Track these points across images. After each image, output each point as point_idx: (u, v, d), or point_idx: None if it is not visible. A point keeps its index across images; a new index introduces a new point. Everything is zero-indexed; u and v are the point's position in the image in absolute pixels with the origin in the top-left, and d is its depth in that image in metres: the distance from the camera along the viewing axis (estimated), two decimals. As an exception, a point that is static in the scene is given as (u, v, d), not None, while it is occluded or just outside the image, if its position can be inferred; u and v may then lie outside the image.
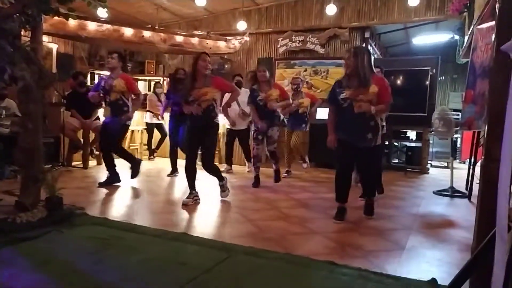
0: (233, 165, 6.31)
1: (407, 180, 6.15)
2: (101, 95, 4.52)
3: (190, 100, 3.72)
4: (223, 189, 4.04)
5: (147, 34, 6.67)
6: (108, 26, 6.46)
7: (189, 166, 3.81)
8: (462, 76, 11.10)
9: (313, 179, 5.86)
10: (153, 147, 7.18)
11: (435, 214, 3.91)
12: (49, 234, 2.59)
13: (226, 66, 8.34)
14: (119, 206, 3.55)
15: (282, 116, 5.00)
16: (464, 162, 9.77)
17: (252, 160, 5.05)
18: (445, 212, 4.00)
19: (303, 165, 6.36)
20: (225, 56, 8.32)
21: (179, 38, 6.94)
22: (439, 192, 4.99)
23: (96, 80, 8.40)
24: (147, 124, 6.91)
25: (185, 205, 3.62)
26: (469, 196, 4.72)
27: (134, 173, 4.70)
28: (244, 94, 5.96)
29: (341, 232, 3.01)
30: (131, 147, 6.98)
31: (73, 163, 5.78)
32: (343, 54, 7.69)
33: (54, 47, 7.52)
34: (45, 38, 7.08)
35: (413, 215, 3.73)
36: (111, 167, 4.61)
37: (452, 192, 4.89)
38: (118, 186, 4.51)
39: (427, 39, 8.73)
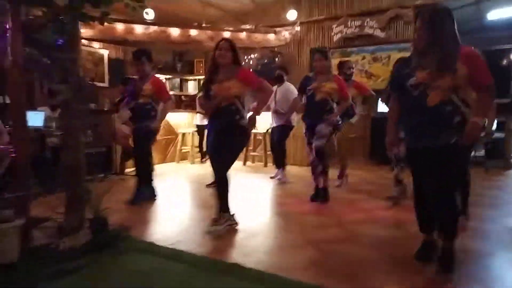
0: (287, 166, 5.86)
1: (490, 179, 5.32)
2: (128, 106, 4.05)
3: (210, 95, 3.04)
4: (216, 222, 3.01)
5: (193, 33, 6.41)
6: (155, 28, 6.29)
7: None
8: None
9: (378, 180, 5.26)
10: (204, 149, 6.95)
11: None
12: (92, 266, 2.35)
13: (277, 59, 7.89)
14: (167, 225, 3.26)
15: (338, 118, 4.02)
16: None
17: (311, 167, 4.07)
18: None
19: (336, 182, 4.82)
20: (275, 49, 7.88)
21: (226, 34, 6.60)
22: (537, 195, 4.19)
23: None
24: (197, 126, 6.69)
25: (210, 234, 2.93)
26: None
27: (138, 197, 3.98)
28: (285, 90, 5.42)
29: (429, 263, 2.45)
30: (182, 150, 6.81)
31: (126, 171, 5.69)
32: (407, 37, 6.93)
33: (105, 53, 7.53)
34: (96, 45, 7.13)
35: (513, 230, 3.06)
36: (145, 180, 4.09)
37: (554, 195, 4.08)
38: (169, 197, 4.27)
39: (507, 12, 7.58)
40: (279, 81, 5.51)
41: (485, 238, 2.87)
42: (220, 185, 3.05)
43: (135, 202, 3.92)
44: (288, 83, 5.57)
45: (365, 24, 7.03)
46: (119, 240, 2.73)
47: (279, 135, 5.38)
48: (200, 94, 3.38)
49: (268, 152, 6.54)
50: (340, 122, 4.05)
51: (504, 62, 6.21)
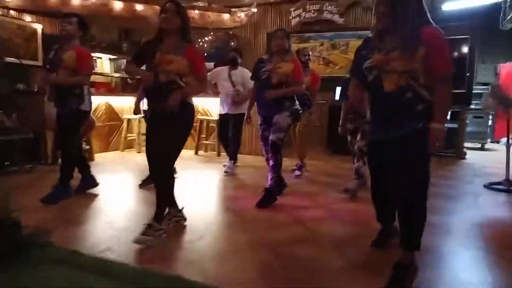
0: (242, 155, 5.51)
1: (444, 169, 5.30)
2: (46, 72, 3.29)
3: (152, 64, 2.50)
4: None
5: (139, 8, 5.80)
6: (94, 0, 5.61)
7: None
8: (493, 46, 10.00)
9: (336, 171, 5.06)
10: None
11: (505, 223, 3.07)
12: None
13: (232, 43, 7.46)
14: (99, 228, 2.76)
15: (297, 104, 3.53)
16: (498, 142, 8.87)
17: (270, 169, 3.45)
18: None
19: (296, 172, 4.73)
20: (230, 32, 7.43)
21: (176, 12, 6.07)
22: (492, 186, 4.15)
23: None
24: (145, 111, 6.10)
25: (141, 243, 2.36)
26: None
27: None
28: (241, 74, 5.03)
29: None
30: (128, 138, 6.23)
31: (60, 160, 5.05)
32: (365, 24, 6.76)
33: (38, 27, 6.68)
34: (28, 18, 6.29)
35: (476, 225, 2.91)
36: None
37: (509, 186, 4.05)
38: (108, 192, 3.75)
39: (461, 4, 7.67)
40: (233, 64, 5.07)
41: (448, 234, 2.70)
42: (165, 181, 2.58)
43: (49, 201, 3.19)
44: (242, 67, 5.16)
45: (324, 8, 6.77)
46: (34, 248, 2.24)
47: (237, 124, 4.89)
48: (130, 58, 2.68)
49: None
50: (300, 111, 3.60)
51: (462, 53, 6.27)
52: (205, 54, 7.63)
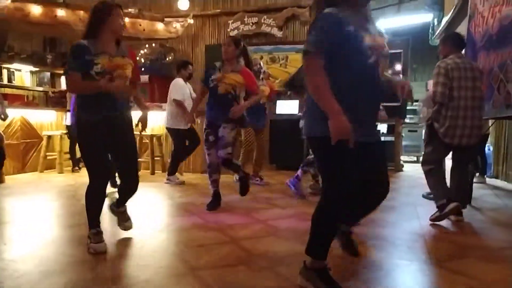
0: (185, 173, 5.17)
1: (385, 181, 5.26)
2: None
3: (98, 71, 2.23)
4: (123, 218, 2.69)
5: (61, 13, 5.28)
6: (7, 2, 5.01)
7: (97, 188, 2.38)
8: (424, 65, 10.64)
9: (280, 186, 4.83)
10: (77, 155, 5.81)
11: (445, 232, 2.96)
12: None
13: (169, 57, 7.12)
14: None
15: (246, 115, 3.54)
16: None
17: (207, 171, 3.55)
18: (455, 226, 3.08)
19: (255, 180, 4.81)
20: (167, 44, 7.10)
21: (105, 19, 5.62)
22: (430, 196, 4.12)
23: (5, 76, 6.80)
24: (67, 127, 5.51)
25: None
26: (469, 199, 3.88)
27: None
28: (181, 88, 4.78)
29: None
30: (48, 157, 5.56)
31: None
32: (303, 38, 6.77)
33: None
34: None
35: (418, 236, 2.78)
36: None
37: (446, 195, 4.04)
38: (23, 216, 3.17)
39: (390, 22, 8.02)
40: (187, 78, 4.90)
41: (392, 246, 2.52)
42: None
43: None
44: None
45: (262, 21, 6.71)
46: None
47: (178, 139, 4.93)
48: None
49: (157, 158, 5.71)
50: (247, 119, 3.61)
51: (396, 66, 6.50)
52: (142, 69, 7.20)
